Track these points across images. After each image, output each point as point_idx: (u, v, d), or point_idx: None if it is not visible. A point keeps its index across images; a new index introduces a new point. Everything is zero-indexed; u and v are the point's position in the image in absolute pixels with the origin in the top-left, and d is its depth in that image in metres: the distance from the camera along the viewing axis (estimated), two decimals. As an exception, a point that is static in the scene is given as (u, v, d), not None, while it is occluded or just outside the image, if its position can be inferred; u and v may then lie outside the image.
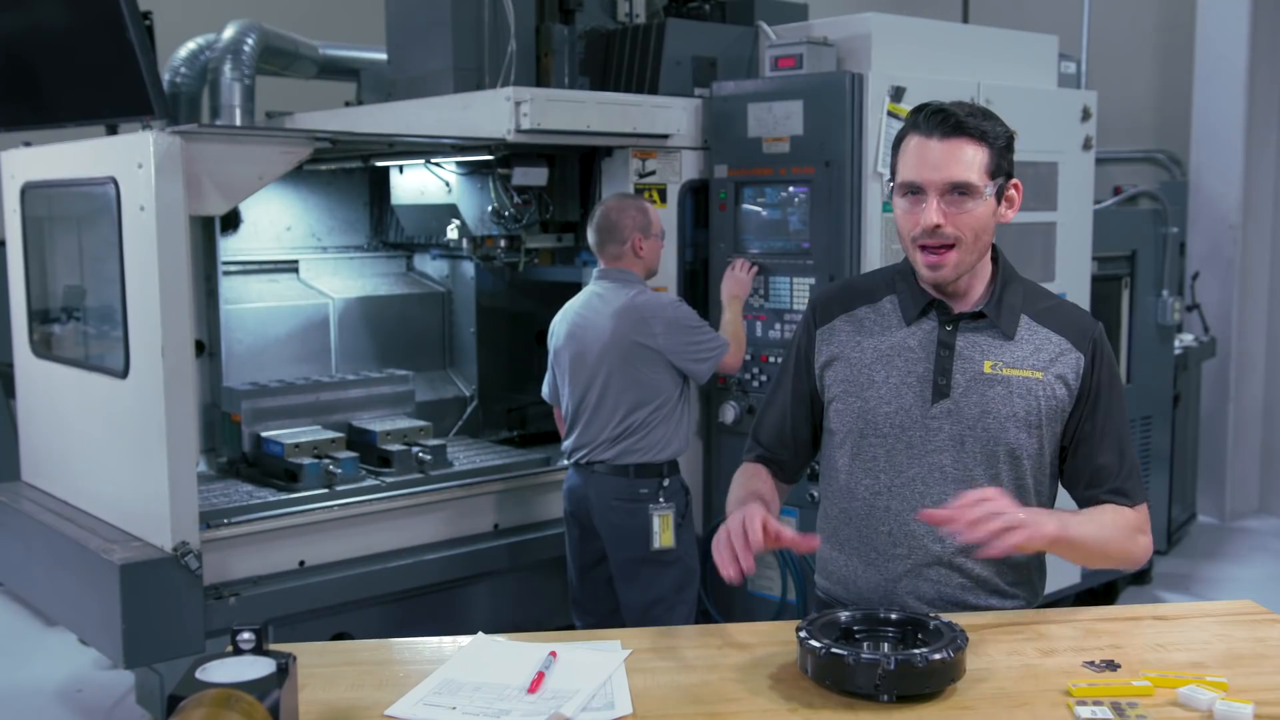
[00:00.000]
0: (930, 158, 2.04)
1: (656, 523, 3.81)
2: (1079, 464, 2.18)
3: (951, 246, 2.06)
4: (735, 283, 4.29)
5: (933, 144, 2.04)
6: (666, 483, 3.85)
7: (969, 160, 2.04)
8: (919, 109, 2.10)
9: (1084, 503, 2.20)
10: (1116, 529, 2.13)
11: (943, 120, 2.05)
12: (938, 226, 2.03)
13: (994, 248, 2.17)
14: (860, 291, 2.27)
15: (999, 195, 2.09)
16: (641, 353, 3.78)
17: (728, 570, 1.94)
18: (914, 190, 2.06)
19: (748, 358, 4.30)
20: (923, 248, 2.07)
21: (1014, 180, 2.12)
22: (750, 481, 2.30)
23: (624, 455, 3.81)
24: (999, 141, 2.08)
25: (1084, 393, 2.14)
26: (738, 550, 1.95)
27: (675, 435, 3.87)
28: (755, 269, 4.34)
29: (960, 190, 2.04)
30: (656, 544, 3.82)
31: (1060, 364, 2.13)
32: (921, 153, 2.05)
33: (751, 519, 1.98)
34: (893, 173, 2.14)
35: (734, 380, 4.42)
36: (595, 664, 1.88)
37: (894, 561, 2.17)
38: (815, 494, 3.72)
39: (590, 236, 3.95)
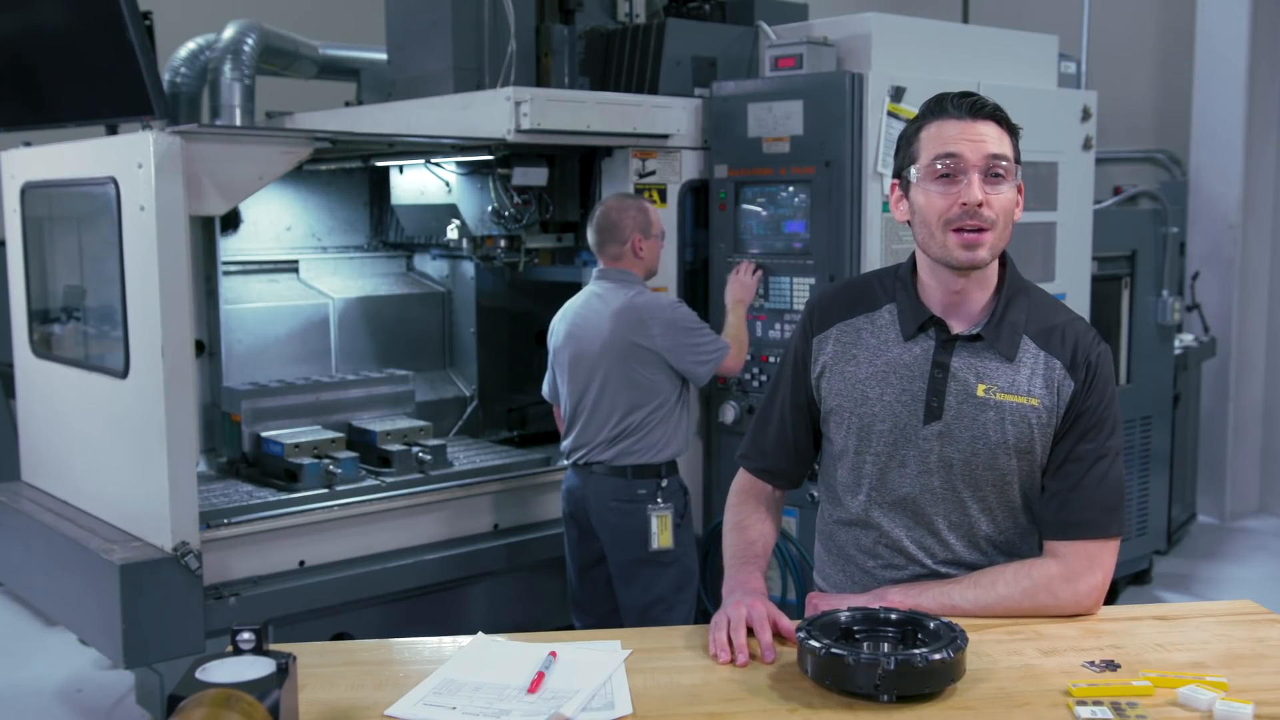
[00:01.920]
0: (965, 135, 1.99)
1: (655, 523, 3.81)
2: (1043, 486, 2.12)
3: (988, 229, 1.99)
4: (740, 286, 4.28)
5: (965, 124, 2.00)
6: (665, 483, 3.84)
7: (1000, 140, 2.01)
8: (938, 98, 2.05)
9: (1040, 528, 2.15)
10: (1009, 589, 2.04)
11: (973, 102, 2.01)
12: (981, 204, 1.97)
13: (1005, 254, 2.11)
14: (861, 296, 2.20)
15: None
16: (639, 353, 3.78)
17: (723, 658, 1.90)
18: (946, 173, 1.99)
19: (748, 358, 4.29)
20: (958, 230, 1.99)
21: (1019, 181, 2.08)
22: (746, 527, 2.25)
23: (622, 456, 3.81)
24: (1016, 132, 2.06)
25: (1067, 416, 2.07)
26: (735, 645, 1.91)
27: (674, 436, 3.87)
28: (760, 272, 4.33)
29: (997, 169, 1.99)
30: (655, 545, 3.81)
31: (1054, 390, 2.07)
32: (953, 131, 2.00)
33: (740, 626, 1.94)
34: (900, 168, 2.08)
35: (734, 381, 4.42)
36: (595, 664, 1.88)
37: (888, 571, 2.16)
38: (815, 494, 3.72)
39: (590, 236, 3.95)
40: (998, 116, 2.03)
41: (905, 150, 2.08)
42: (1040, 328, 2.10)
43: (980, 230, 1.98)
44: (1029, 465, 2.10)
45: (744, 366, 4.23)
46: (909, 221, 2.09)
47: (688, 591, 3.94)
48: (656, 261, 3.99)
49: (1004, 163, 2.00)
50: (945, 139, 2.00)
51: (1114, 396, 2.11)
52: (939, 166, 2.00)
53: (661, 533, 3.81)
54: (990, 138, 2.00)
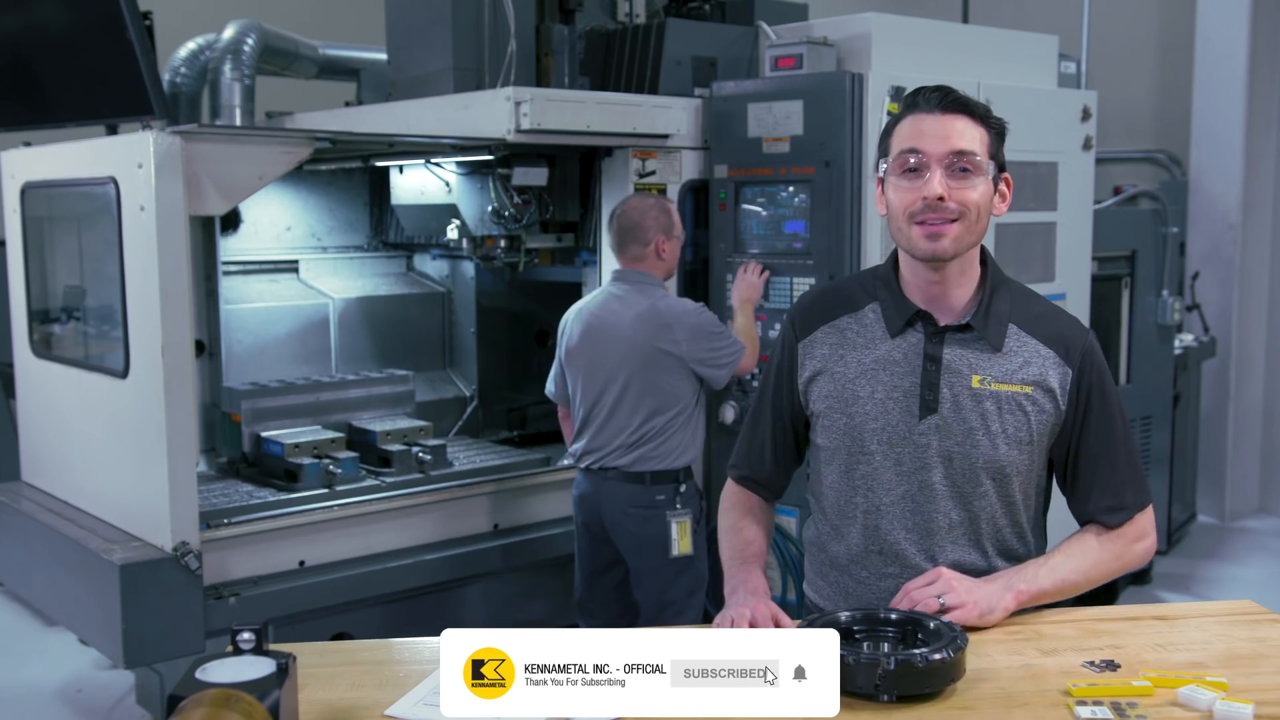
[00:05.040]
0: (932, 129, 1.98)
1: (675, 529, 3.77)
2: (1073, 479, 2.14)
3: (954, 221, 1.98)
4: (747, 286, 4.27)
5: (934, 117, 1.99)
6: (683, 489, 3.81)
7: (971, 135, 2.00)
8: (914, 92, 2.05)
9: (1080, 517, 2.18)
10: (1101, 554, 2.12)
11: (943, 96, 2.00)
12: (941, 198, 1.96)
13: (982, 249, 2.11)
14: (841, 299, 2.19)
15: (995, 182, 2.04)
16: (663, 359, 3.74)
17: None
18: (912, 168, 1.99)
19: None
20: (921, 223, 1.99)
21: (1005, 174, 2.07)
22: (741, 529, 2.27)
23: (640, 462, 3.77)
24: (996, 127, 2.04)
25: (1073, 409, 2.08)
26: None
27: (692, 442, 3.84)
28: (767, 273, 4.32)
29: (963, 164, 1.98)
30: (675, 551, 3.78)
31: (1049, 379, 2.07)
32: (921, 125, 1.99)
33: (746, 622, 1.96)
34: (878, 162, 2.08)
35: (734, 381, 4.41)
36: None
37: (885, 580, 2.13)
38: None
39: (611, 236, 3.91)
40: (971, 110, 2.02)
41: (883, 145, 2.08)
42: (1025, 316, 2.12)
43: (943, 223, 1.98)
44: (1027, 458, 2.09)
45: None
46: (887, 215, 2.09)
47: (698, 595, 3.92)
48: (675, 263, 3.97)
49: (973, 157, 1.99)
50: (912, 134, 2.01)
51: (1109, 373, 2.15)
52: (904, 161, 2.00)
53: (681, 538, 3.78)
54: (959, 132, 1.99)
